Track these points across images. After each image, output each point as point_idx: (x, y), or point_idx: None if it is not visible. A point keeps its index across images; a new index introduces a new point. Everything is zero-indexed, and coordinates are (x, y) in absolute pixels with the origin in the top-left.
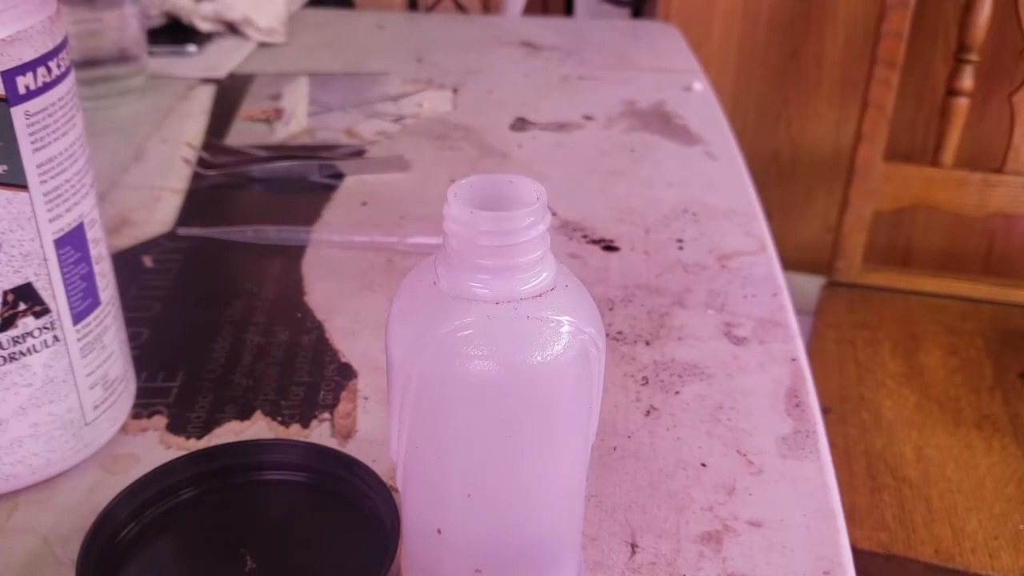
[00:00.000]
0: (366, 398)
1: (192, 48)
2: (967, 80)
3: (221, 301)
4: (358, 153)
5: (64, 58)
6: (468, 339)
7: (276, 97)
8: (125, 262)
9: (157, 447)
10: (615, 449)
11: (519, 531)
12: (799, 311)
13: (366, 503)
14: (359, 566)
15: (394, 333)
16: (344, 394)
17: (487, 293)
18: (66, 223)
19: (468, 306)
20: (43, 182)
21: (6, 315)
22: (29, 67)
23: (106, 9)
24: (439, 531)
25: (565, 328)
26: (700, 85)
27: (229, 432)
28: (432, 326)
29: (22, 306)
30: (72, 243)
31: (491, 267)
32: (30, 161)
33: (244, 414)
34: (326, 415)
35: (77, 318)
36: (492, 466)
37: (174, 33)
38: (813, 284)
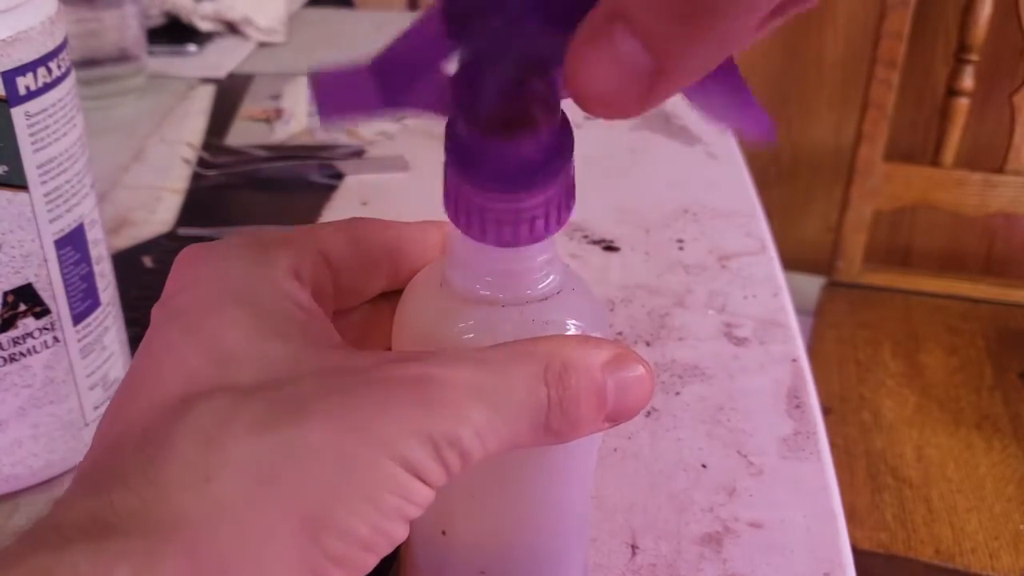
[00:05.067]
0: None
1: (192, 48)
2: (967, 80)
3: None
4: (358, 153)
5: (64, 59)
6: (473, 342)
7: (276, 97)
8: (125, 262)
9: None
10: (615, 450)
11: (524, 533)
12: (799, 311)
13: None
14: None
15: (399, 334)
16: None
17: (493, 295)
18: (66, 224)
19: (473, 308)
20: (43, 183)
21: (6, 316)
22: (29, 68)
23: (106, 9)
24: (443, 532)
25: (571, 331)
26: None
27: None
28: (437, 328)
29: (22, 307)
30: (72, 244)
31: (497, 270)
32: (30, 162)
33: None
34: None
35: (77, 319)
36: (496, 468)
37: (174, 33)
38: (813, 284)
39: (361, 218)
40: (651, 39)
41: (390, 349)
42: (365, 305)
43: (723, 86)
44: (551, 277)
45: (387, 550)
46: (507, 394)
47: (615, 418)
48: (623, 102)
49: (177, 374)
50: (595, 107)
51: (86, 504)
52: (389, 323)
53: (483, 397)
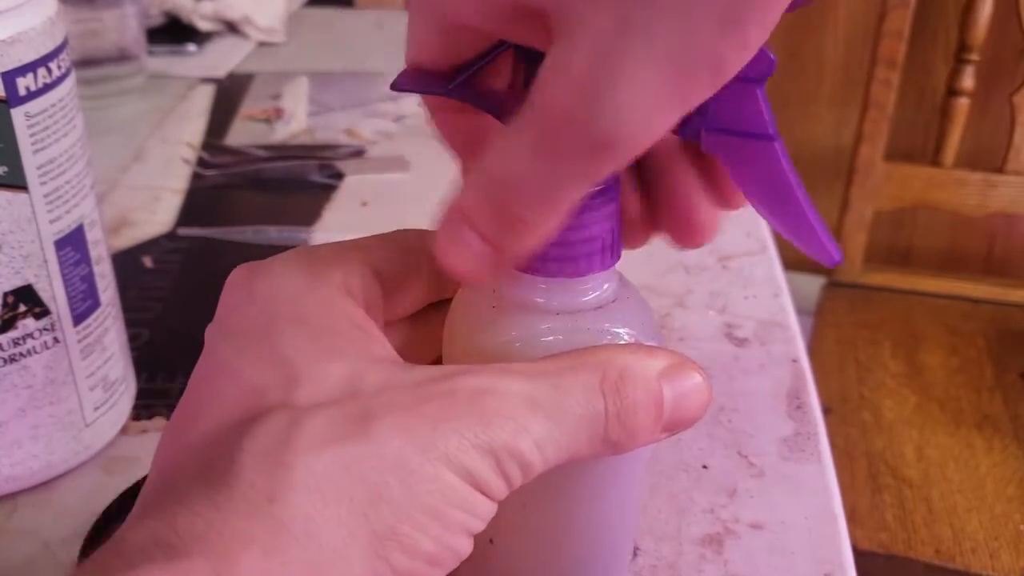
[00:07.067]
0: None
1: (192, 48)
2: (968, 80)
3: None
4: (358, 153)
5: (64, 59)
6: (525, 350)
7: (276, 97)
8: (125, 262)
9: None
10: None
11: (573, 542)
12: (799, 311)
13: None
14: None
15: (450, 343)
16: None
17: (547, 304)
18: (66, 224)
19: (527, 317)
20: (43, 183)
21: (6, 317)
22: (29, 68)
23: (106, 9)
24: (491, 541)
25: (625, 340)
26: None
27: None
28: (490, 337)
29: (22, 308)
30: (72, 244)
31: (552, 279)
32: (30, 162)
33: None
34: None
35: (77, 319)
36: (548, 477)
37: (174, 32)
38: (813, 284)
39: (406, 229)
40: (486, 237)
41: (440, 358)
42: (413, 315)
43: (789, 218)
44: (605, 286)
45: (452, 565)
46: (565, 406)
47: (672, 428)
48: (477, 276)
49: (235, 395)
50: (458, 278)
51: (149, 528)
52: (438, 333)
53: (541, 409)
